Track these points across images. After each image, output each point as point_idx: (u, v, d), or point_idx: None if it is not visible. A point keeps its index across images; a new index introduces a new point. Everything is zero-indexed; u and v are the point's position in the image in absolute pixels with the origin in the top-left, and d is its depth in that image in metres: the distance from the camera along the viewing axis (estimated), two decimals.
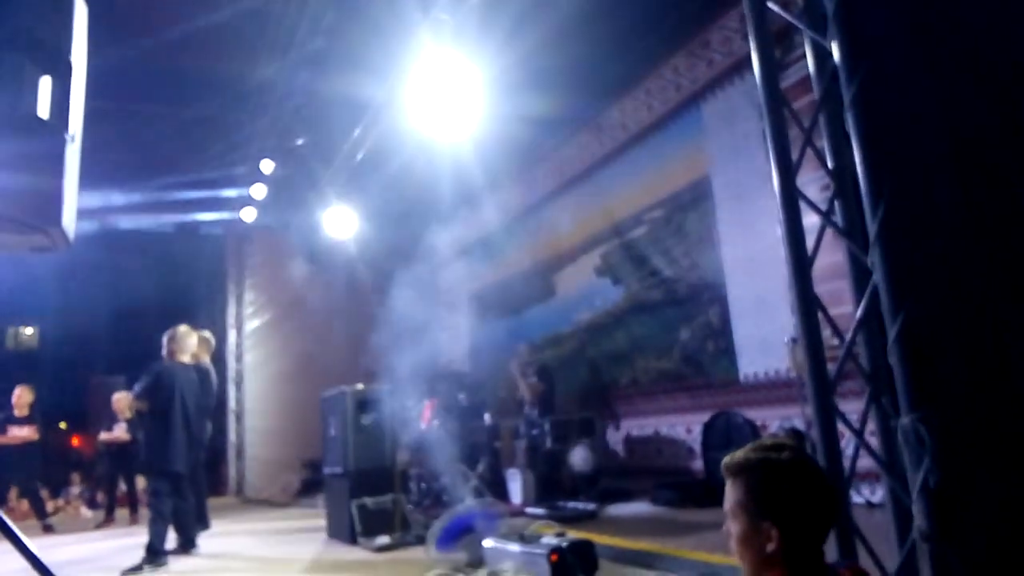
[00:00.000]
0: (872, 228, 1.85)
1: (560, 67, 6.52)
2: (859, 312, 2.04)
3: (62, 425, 14.30)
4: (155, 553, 4.99)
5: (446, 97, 5.72)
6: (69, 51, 1.88)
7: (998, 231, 1.87)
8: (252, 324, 11.21)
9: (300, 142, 8.27)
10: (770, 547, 1.44)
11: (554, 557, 3.49)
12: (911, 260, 1.81)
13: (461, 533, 4.52)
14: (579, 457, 6.65)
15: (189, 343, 5.70)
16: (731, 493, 1.52)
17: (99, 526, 7.98)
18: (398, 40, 5.84)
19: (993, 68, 1.96)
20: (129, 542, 5.78)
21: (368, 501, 5.44)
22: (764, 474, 1.49)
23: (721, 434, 6.05)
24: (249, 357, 11.12)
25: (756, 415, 5.95)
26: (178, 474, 5.31)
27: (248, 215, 10.38)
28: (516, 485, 6.95)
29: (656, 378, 7.58)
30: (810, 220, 2.23)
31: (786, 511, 1.45)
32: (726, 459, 1.57)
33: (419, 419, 7.32)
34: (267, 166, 9.09)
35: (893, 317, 1.79)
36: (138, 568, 4.89)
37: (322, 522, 6.22)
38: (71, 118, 1.89)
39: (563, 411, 7.74)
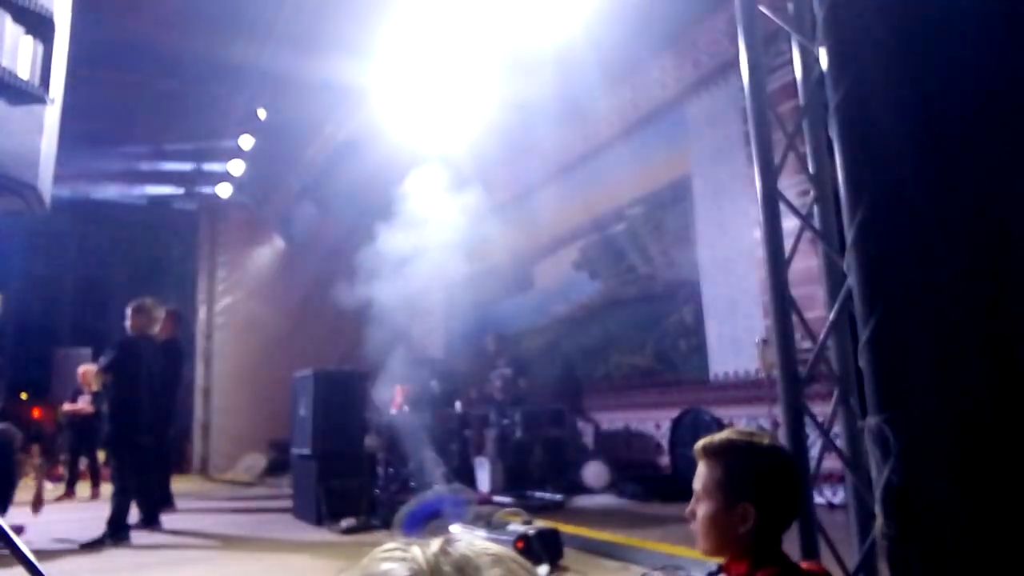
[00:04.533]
0: (849, 233, 1.88)
1: (548, 54, 6.51)
2: (832, 314, 2.08)
3: (23, 396, 14.01)
4: (117, 528, 4.93)
5: (431, 79, 5.71)
6: (54, 10, 1.84)
7: (973, 242, 1.92)
8: (224, 301, 11.06)
9: (279, 119, 8.15)
10: (743, 528, 1.48)
11: (520, 544, 3.53)
12: (886, 266, 1.85)
13: (428, 518, 4.55)
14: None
15: (154, 317, 5.61)
16: (708, 473, 1.56)
17: (59, 499, 7.85)
18: (385, 21, 5.80)
19: (979, 81, 2.01)
20: (90, 516, 5.70)
21: (335, 483, 5.43)
22: (748, 457, 1.54)
23: (689, 431, 6.14)
24: (219, 334, 10.98)
25: (724, 413, 6.03)
26: (142, 448, 5.25)
27: (223, 191, 10.25)
28: (484, 473, 6.99)
29: (628, 373, 7.64)
30: (788, 224, 2.27)
31: (765, 494, 1.50)
32: (705, 440, 1.60)
33: (390, 404, 7.31)
34: (246, 142, 8.96)
35: (865, 320, 1.83)
36: (99, 542, 4.83)
37: (287, 503, 6.20)
38: (53, 80, 1.85)
39: (536, 402, 7.78)
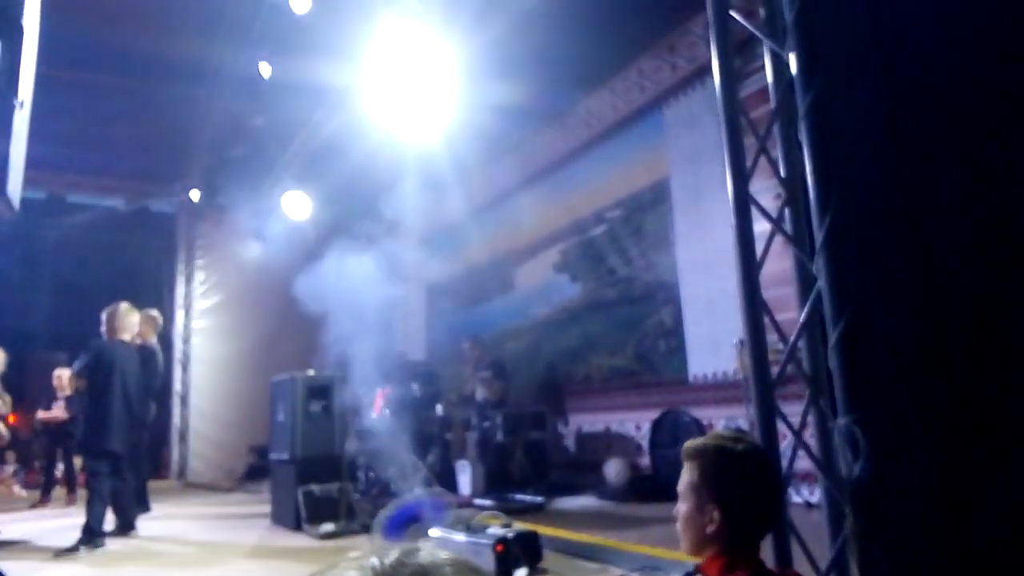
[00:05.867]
0: (818, 236, 1.91)
1: (528, 57, 6.54)
2: (802, 317, 2.11)
3: None
4: (92, 534, 4.88)
5: (410, 82, 5.70)
6: (21, 14, 1.82)
7: (939, 244, 1.96)
8: (202, 305, 10.96)
9: (258, 122, 8.10)
10: (711, 528, 1.53)
11: (499, 548, 3.53)
12: (854, 268, 1.88)
13: (408, 522, 4.53)
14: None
15: (130, 321, 5.55)
16: (686, 475, 1.63)
17: (34, 506, 7.74)
18: (362, 23, 5.78)
19: (945, 85, 2.04)
20: (65, 523, 5.63)
21: (314, 488, 5.40)
22: (717, 460, 1.58)
23: (668, 432, 6.17)
24: (197, 339, 10.88)
25: (703, 414, 6.08)
26: (116, 454, 5.19)
27: (196, 194, 10.20)
28: (465, 477, 6.97)
29: (609, 375, 7.67)
30: (762, 227, 2.30)
31: (731, 497, 1.54)
32: (687, 443, 1.68)
33: (370, 407, 7.27)
34: (223, 144, 8.92)
35: (834, 322, 1.86)
36: (74, 549, 4.77)
37: (266, 508, 6.15)
38: (21, 83, 1.83)
39: (517, 404, 7.78)
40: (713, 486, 1.56)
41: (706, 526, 1.54)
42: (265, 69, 6.97)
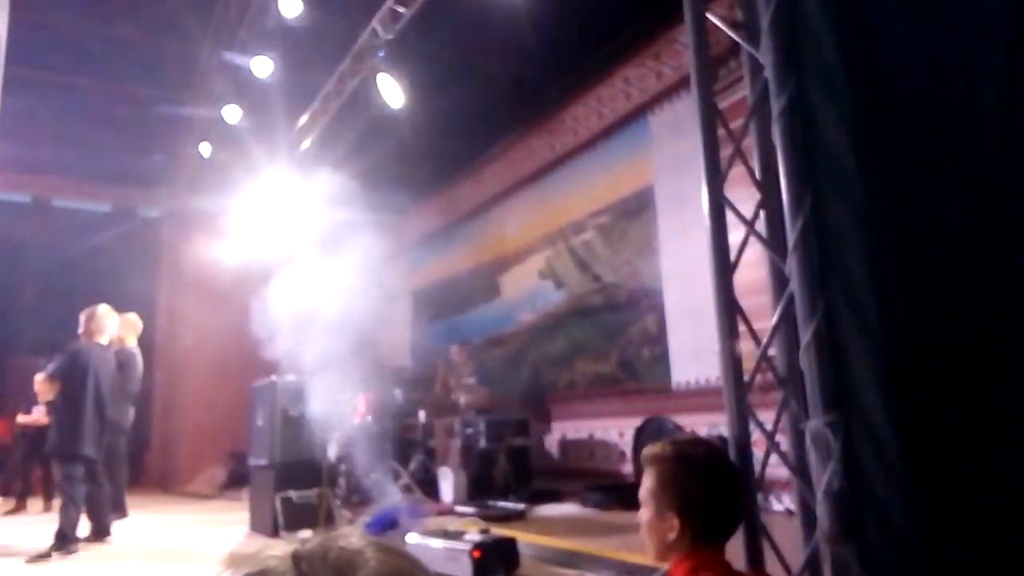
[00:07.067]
0: (791, 237, 1.90)
1: (513, 62, 6.55)
2: (775, 318, 2.10)
3: None
4: (65, 540, 4.80)
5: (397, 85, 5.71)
6: None
7: (912, 245, 1.95)
8: (187, 309, 10.86)
9: (243, 124, 8.05)
10: (671, 536, 1.50)
11: (476, 553, 3.50)
12: (826, 269, 1.87)
13: (386, 528, 4.49)
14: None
15: (107, 324, 5.48)
16: (645, 481, 1.60)
17: (10, 512, 7.62)
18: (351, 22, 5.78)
19: (918, 86, 2.04)
20: (40, 529, 5.53)
21: (293, 494, 5.34)
22: (675, 467, 1.56)
23: (652, 439, 6.11)
24: (181, 344, 10.77)
25: (686, 421, 6.06)
26: (90, 458, 5.11)
27: (186, 196, 10.15)
28: (447, 484, 6.92)
29: (593, 382, 7.65)
30: (742, 233, 2.29)
31: (690, 504, 1.51)
32: (645, 449, 1.65)
33: (353, 413, 7.21)
34: (205, 149, 8.87)
35: (806, 324, 1.84)
36: (46, 555, 4.70)
37: (245, 515, 6.07)
38: None
39: (501, 411, 7.75)
40: (671, 493, 1.54)
41: (667, 533, 1.52)
42: (264, 67, 6.82)
